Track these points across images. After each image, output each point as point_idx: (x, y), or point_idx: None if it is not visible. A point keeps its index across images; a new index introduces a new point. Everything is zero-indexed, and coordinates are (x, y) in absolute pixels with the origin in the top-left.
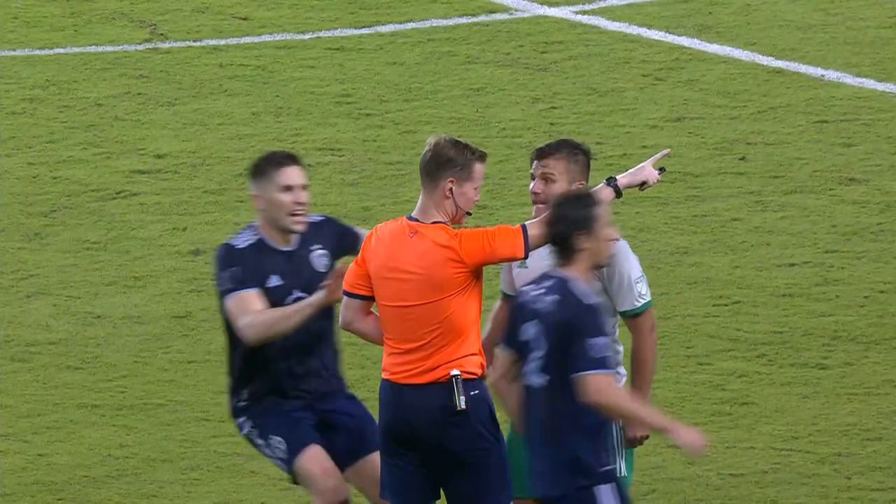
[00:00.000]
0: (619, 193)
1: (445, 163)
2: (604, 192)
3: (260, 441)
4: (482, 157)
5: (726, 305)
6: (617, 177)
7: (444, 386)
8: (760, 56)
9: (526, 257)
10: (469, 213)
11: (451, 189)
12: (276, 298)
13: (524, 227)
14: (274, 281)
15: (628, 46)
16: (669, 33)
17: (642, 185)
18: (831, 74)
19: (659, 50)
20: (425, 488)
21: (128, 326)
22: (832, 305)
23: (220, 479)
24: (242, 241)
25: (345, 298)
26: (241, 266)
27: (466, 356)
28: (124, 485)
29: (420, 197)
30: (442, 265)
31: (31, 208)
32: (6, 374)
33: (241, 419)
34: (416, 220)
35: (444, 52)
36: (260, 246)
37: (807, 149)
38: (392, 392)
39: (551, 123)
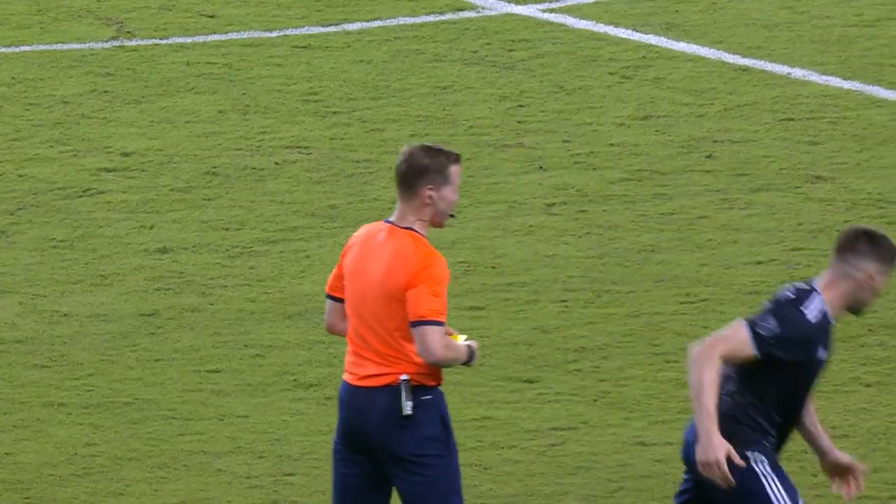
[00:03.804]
0: (467, 364)
1: (422, 171)
2: (464, 356)
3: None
4: (457, 159)
5: (693, 303)
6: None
7: (394, 390)
8: (727, 54)
9: (411, 325)
10: (452, 216)
11: (430, 196)
12: None
13: (440, 323)
14: None
15: (595, 45)
16: (636, 31)
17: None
18: (797, 72)
19: (626, 48)
20: (373, 494)
21: (94, 325)
22: None
23: (186, 477)
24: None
25: (327, 301)
26: None
27: (421, 369)
28: (91, 483)
29: (398, 203)
30: (396, 274)
31: None
32: None
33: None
34: (392, 223)
35: (411, 51)
36: None
37: (773, 147)
38: (347, 392)
39: (519, 121)
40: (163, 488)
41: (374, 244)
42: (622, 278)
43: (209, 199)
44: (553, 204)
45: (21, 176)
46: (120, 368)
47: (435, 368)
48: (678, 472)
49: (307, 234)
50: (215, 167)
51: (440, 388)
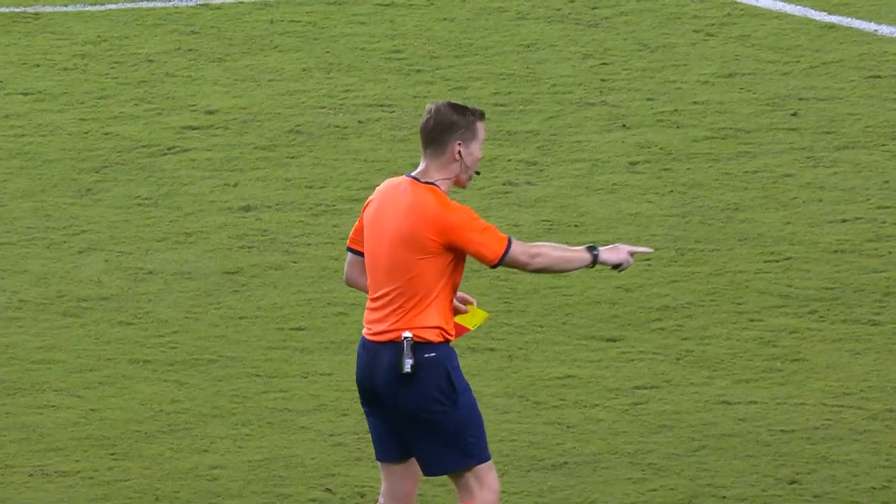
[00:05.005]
0: (593, 265)
1: (450, 127)
2: (583, 255)
3: None
4: (482, 115)
5: (777, 262)
6: (599, 248)
7: (398, 346)
8: (813, 11)
9: (494, 267)
10: (478, 173)
11: (459, 152)
12: None
13: (510, 241)
14: None
15: (680, 1)
16: None
17: (617, 266)
18: (884, 29)
19: (710, 5)
20: (396, 442)
21: (179, 282)
22: (884, 261)
23: (270, 434)
24: None
25: (347, 254)
26: None
27: (426, 325)
28: (176, 439)
29: (422, 160)
30: (415, 226)
31: (83, 164)
32: (58, 329)
33: None
34: (414, 178)
35: (494, 8)
36: None
37: (859, 104)
38: (361, 346)
39: (602, 79)
40: (247, 445)
41: (393, 197)
42: (705, 237)
43: (293, 158)
44: (636, 162)
45: (106, 134)
46: (204, 326)
47: (440, 326)
48: (762, 431)
49: None
50: (299, 125)
51: (449, 344)
